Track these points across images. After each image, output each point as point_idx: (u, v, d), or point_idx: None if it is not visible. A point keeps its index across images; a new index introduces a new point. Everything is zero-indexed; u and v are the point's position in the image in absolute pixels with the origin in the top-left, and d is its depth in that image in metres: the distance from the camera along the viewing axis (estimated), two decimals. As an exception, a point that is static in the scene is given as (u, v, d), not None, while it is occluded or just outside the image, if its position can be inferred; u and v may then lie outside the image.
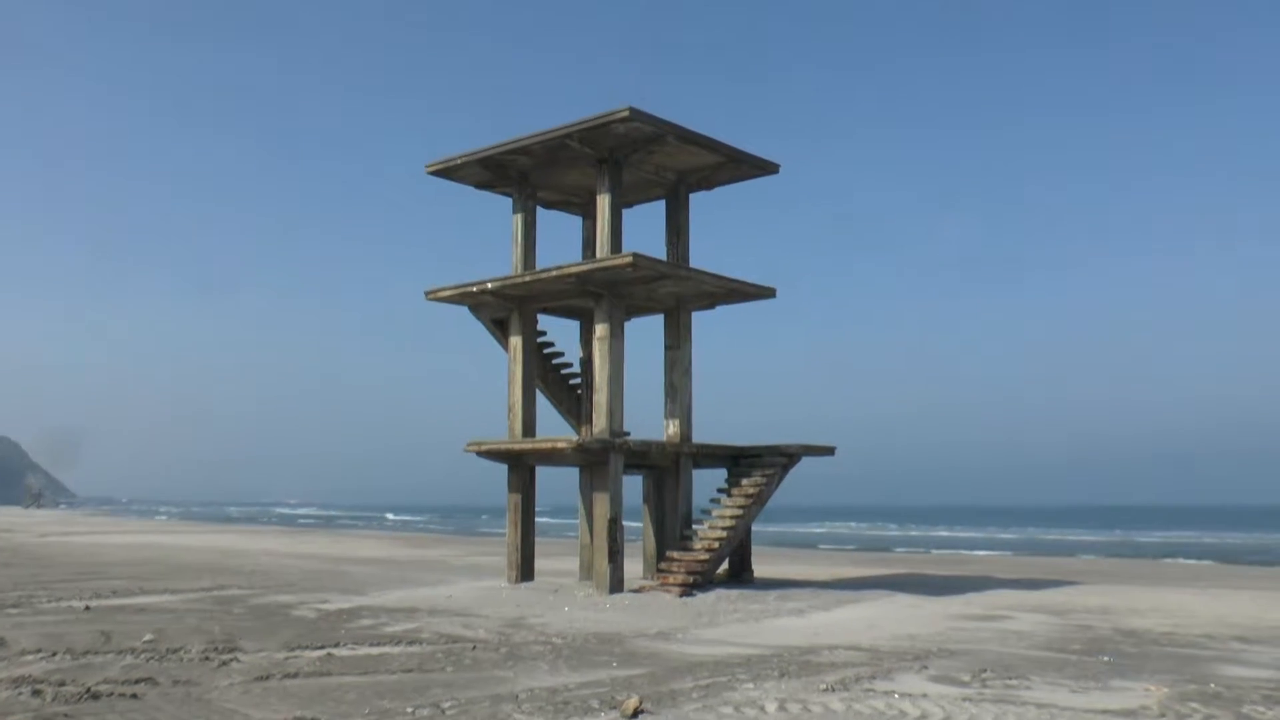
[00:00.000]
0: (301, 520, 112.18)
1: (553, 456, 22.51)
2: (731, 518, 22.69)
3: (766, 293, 23.81)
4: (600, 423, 21.67)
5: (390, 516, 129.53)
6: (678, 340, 23.90)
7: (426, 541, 53.71)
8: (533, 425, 23.79)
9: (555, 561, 32.07)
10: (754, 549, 26.34)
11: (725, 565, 24.12)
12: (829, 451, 24.15)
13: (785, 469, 23.58)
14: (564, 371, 25.60)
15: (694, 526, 23.31)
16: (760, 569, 27.41)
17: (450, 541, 54.51)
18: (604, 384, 21.70)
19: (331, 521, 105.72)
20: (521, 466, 23.64)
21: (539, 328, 24.49)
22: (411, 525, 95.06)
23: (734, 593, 21.29)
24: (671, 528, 23.28)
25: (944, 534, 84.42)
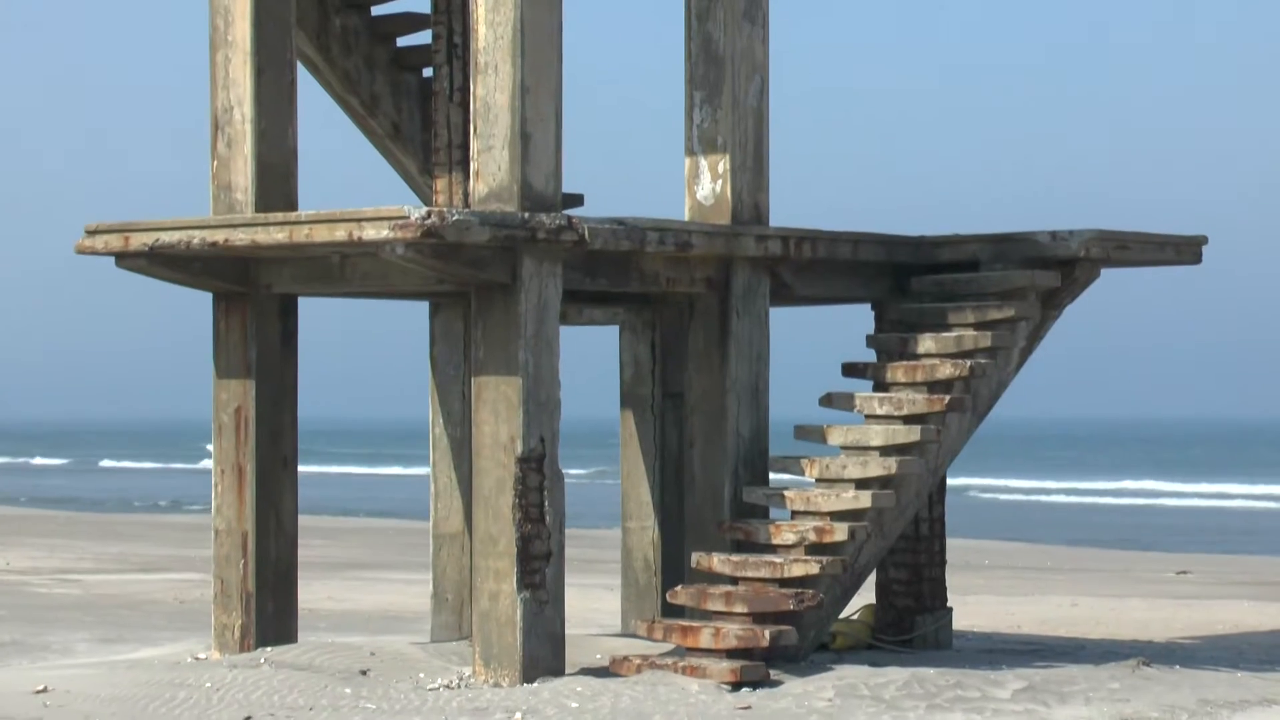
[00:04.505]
0: None
1: (349, 266, 18.71)
2: (890, 450, 17.73)
3: None
4: (494, 169, 18.23)
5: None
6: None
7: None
8: (290, 176, 19.29)
9: (359, 585, 28.39)
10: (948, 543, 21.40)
11: (868, 596, 19.77)
12: (1188, 255, 19.21)
13: (1052, 305, 18.45)
14: (381, 22, 21.09)
15: (772, 481, 18.91)
16: (965, 599, 22.69)
17: (47, 523, 45.01)
18: (504, 54, 18.28)
19: None
20: (259, 298, 19.66)
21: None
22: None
23: (892, 676, 16.01)
24: (710, 485, 19.34)
25: None
